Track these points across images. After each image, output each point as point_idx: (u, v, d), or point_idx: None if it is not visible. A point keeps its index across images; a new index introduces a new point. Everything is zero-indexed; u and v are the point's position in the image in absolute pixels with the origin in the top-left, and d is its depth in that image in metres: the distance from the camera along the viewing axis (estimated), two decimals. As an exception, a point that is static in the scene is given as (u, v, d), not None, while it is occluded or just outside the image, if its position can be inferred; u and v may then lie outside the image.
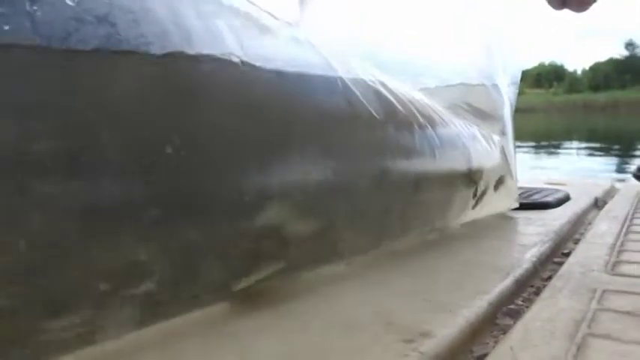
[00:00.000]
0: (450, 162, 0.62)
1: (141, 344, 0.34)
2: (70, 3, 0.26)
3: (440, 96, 0.70)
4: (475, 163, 0.69)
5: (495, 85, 0.78)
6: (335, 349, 0.36)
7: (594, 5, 0.46)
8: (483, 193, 0.72)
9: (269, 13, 0.43)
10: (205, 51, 0.33)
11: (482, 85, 0.78)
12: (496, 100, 0.79)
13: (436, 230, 0.66)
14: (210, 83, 0.34)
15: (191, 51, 0.32)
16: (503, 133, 0.80)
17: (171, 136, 0.30)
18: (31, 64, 0.24)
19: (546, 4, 0.48)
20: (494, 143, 0.78)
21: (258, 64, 0.37)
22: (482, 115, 0.77)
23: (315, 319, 0.41)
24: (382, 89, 0.51)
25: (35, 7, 0.25)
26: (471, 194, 0.69)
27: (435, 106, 0.64)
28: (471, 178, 0.68)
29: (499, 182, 0.78)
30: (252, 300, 0.43)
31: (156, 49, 0.30)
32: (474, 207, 0.71)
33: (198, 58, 0.32)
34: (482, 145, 0.74)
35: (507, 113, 0.82)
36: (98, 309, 0.28)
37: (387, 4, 0.75)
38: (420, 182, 0.56)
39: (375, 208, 0.50)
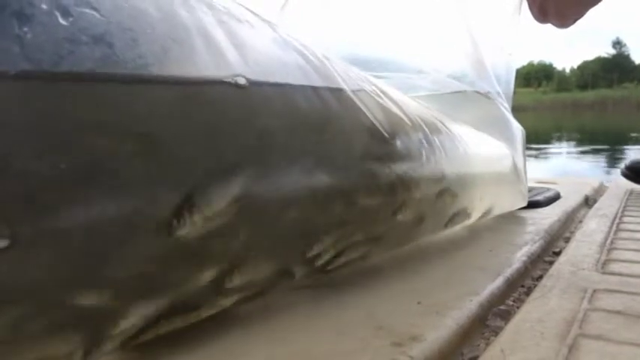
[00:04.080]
0: (460, 167, 0.61)
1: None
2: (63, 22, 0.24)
3: (438, 103, 0.69)
4: (484, 168, 0.69)
5: (490, 93, 0.78)
6: (323, 354, 0.35)
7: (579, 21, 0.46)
8: (494, 195, 0.72)
9: (263, 18, 0.41)
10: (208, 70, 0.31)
11: (477, 92, 0.77)
12: (494, 106, 0.79)
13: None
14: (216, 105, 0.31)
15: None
16: (506, 138, 0.80)
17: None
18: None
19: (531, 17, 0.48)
20: (501, 147, 0.78)
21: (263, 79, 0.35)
22: (484, 123, 0.77)
23: (303, 324, 0.40)
24: (385, 99, 0.49)
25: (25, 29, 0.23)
26: (481, 198, 0.68)
27: (438, 113, 0.64)
28: (482, 181, 0.68)
29: (509, 183, 0.78)
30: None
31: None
32: (485, 210, 0.70)
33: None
34: (489, 150, 0.74)
35: (510, 119, 0.82)
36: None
37: (371, 7, 0.74)
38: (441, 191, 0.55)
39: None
